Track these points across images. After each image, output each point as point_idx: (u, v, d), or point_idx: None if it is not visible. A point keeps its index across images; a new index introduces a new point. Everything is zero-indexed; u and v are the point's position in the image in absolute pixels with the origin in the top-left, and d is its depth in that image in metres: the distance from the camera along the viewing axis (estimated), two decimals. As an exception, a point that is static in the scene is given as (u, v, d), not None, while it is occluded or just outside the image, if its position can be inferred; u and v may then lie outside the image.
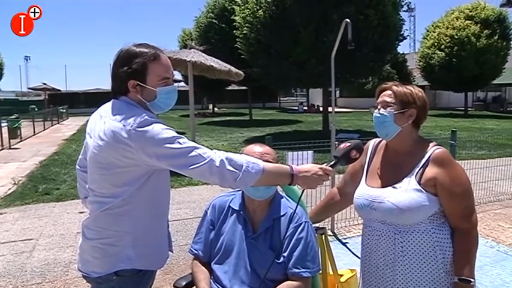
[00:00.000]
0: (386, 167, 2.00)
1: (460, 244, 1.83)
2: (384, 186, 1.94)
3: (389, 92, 1.94)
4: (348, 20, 4.95)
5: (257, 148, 2.07)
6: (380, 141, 2.11)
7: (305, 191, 1.88)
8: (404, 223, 1.86)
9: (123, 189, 1.72)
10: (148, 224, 1.83)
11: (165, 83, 1.80)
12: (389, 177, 1.94)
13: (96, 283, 1.84)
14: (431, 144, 1.92)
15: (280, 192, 2.24)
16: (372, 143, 2.15)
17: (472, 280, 1.79)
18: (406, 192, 1.84)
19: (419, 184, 1.84)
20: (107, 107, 1.80)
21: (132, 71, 1.73)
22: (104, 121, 1.73)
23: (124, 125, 1.64)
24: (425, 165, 1.86)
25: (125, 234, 1.77)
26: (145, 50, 1.76)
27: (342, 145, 1.93)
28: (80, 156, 2.05)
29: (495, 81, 27.34)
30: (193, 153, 1.63)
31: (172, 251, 2.07)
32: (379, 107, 1.95)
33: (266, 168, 1.71)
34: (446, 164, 1.85)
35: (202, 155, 1.63)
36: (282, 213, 2.08)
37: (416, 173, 1.86)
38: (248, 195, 2.08)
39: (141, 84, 1.75)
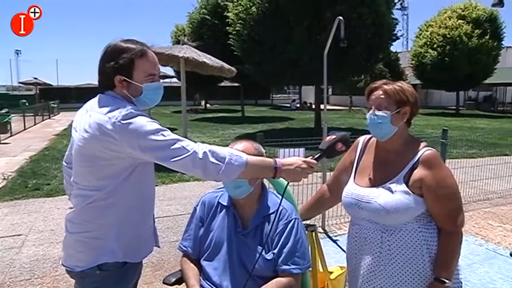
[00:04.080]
0: (375, 165, 1.98)
1: (443, 245, 1.83)
2: (372, 185, 1.93)
3: (380, 92, 1.90)
4: (341, 17, 4.95)
5: (237, 146, 2.05)
6: (370, 138, 2.09)
7: (292, 184, 1.89)
8: (391, 223, 1.86)
9: (107, 181, 1.73)
10: (133, 217, 1.83)
11: (151, 79, 1.82)
12: (378, 176, 1.93)
13: (80, 278, 1.84)
14: (421, 145, 1.90)
15: (271, 190, 2.23)
16: (361, 139, 2.12)
17: (447, 281, 1.78)
18: (394, 193, 1.83)
19: (407, 186, 1.83)
20: (93, 102, 1.81)
21: (118, 67, 1.74)
22: (89, 114, 1.74)
23: (109, 118, 1.65)
24: (414, 167, 1.85)
25: (108, 228, 1.77)
26: (133, 46, 1.77)
27: (327, 137, 1.92)
28: (67, 153, 2.05)
29: (486, 81, 27.54)
30: (176, 146, 1.64)
31: (159, 246, 2.08)
32: (373, 108, 1.91)
33: (249, 161, 1.72)
34: (433, 166, 1.83)
35: (186, 147, 1.65)
36: (271, 211, 2.07)
37: (405, 175, 1.85)
38: (228, 193, 2.09)
39: (128, 79, 1.76)
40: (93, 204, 1.74)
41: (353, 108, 30.27)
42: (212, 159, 1.65)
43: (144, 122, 1.65)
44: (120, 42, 1.79)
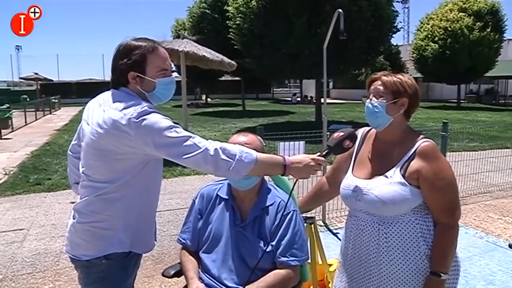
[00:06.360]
0: (373, 157, 1.98)
1: (440, 238, 1.83)
2: (369, 177, 1.93)
3: (379, 82, 1.91)
4: (340, 10, 4.94)
5: (241, 138, 2.07)
6: (369, 130, 2.09)
7: (297, 181, 1.90)
8: (388, 215, 1.86)
9: (120, 175, 1.77)
10: (140, 210, 1.88)
11: (163, 74, 1.85)
12: (376, 168, 1.93)
13: (85, 267, 1.87)
14: (419, 137, 1.90)
15: (270, 182, 2.24)
16: (361, 131, 2.12)
17: (443, 275, 1.79)
18: (390, 185, 1.83)
19: (404, 177, 1.83)
20: (106, 96, 1.84)
21: (131, 63, 1.78)
22: (103, 109, 1.77)
23: (124, 114, 1.68)
24: (411, 159, 1.84)
25: (117, 219, 1.81)
26: (144, 43, 1.82)
27: (335, 134, 1.92)
28: (73, 142, 2.10)
29: (488, 74, 27.44)
30: (188, 143, 1.68)
31: (155, 240, 2.10)
32: (371, 98, 1.92)
33: (259, 158, 1.75)
34: (430, 157, 1.83)
35: (198, 144, 1.68)
36: (270, 203, 2.08)
37: (402, 166, 1.85)
38: (232, 185, 2.10)
39: (141, 75, 1.80)
40: (103, 196, 1.79)
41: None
42: (223, 156, 1.69)
43: (158, 119, 1.69)
44: (131, 40, 1.84)
